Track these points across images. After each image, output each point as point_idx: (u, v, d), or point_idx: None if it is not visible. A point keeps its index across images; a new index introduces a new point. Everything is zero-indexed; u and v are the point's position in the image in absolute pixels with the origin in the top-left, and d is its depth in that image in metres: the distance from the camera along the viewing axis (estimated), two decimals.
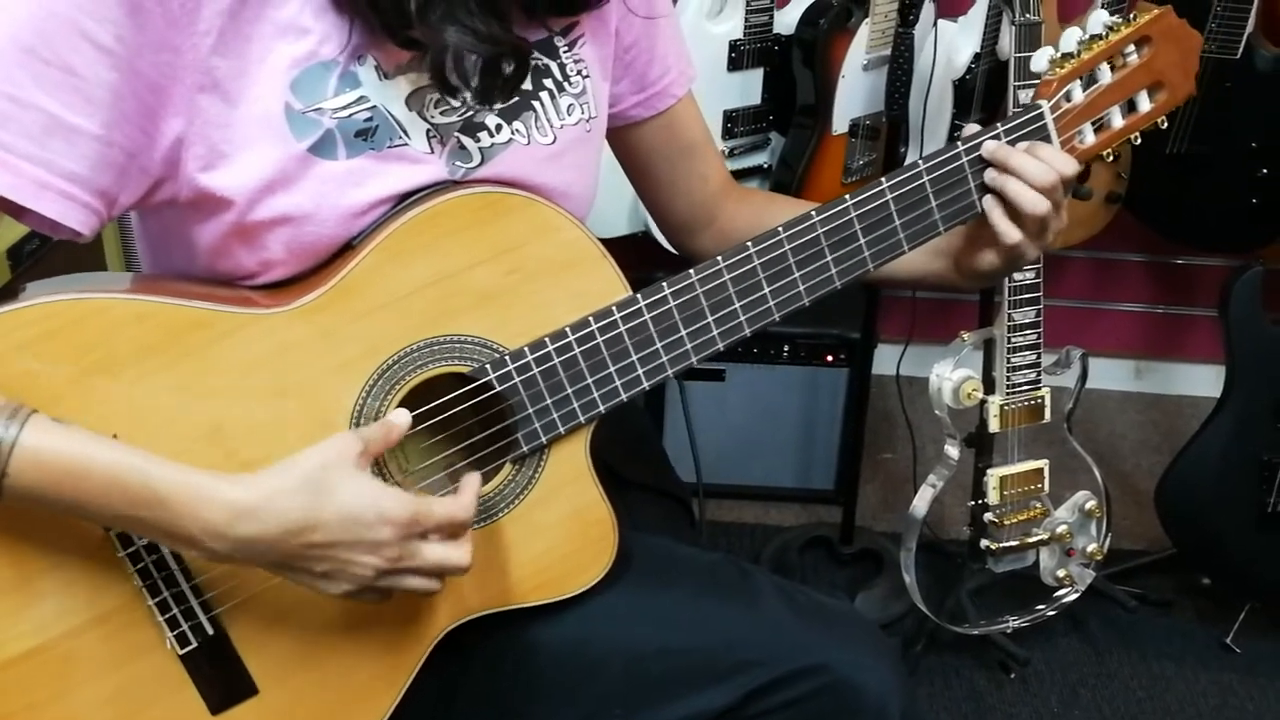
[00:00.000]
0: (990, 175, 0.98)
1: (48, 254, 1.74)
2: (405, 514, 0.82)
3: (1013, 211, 0.97)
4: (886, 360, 2.18)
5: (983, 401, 1.67)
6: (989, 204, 0.98)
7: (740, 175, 1.96)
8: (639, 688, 0.99)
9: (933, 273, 1.08)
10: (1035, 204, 0.96)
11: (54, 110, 0.77)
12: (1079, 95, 1.00)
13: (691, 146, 1.14)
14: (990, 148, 0.97)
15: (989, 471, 1.72)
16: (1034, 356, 1.66)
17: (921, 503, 1.71)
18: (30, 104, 0.77)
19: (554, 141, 0.96)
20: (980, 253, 1.03)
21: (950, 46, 1.82)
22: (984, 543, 1.75)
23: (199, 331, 0.83)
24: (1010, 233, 0.98)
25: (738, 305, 0.95)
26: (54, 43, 0.76)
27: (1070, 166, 0.97)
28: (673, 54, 1.08)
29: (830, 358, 2.14)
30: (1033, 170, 0.95)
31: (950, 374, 1.63)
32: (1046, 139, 0.99)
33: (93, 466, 0.77)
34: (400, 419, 0.86)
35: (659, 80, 1.08)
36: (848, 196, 0.95)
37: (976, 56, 1.82)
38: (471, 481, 0.89)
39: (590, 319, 0.91)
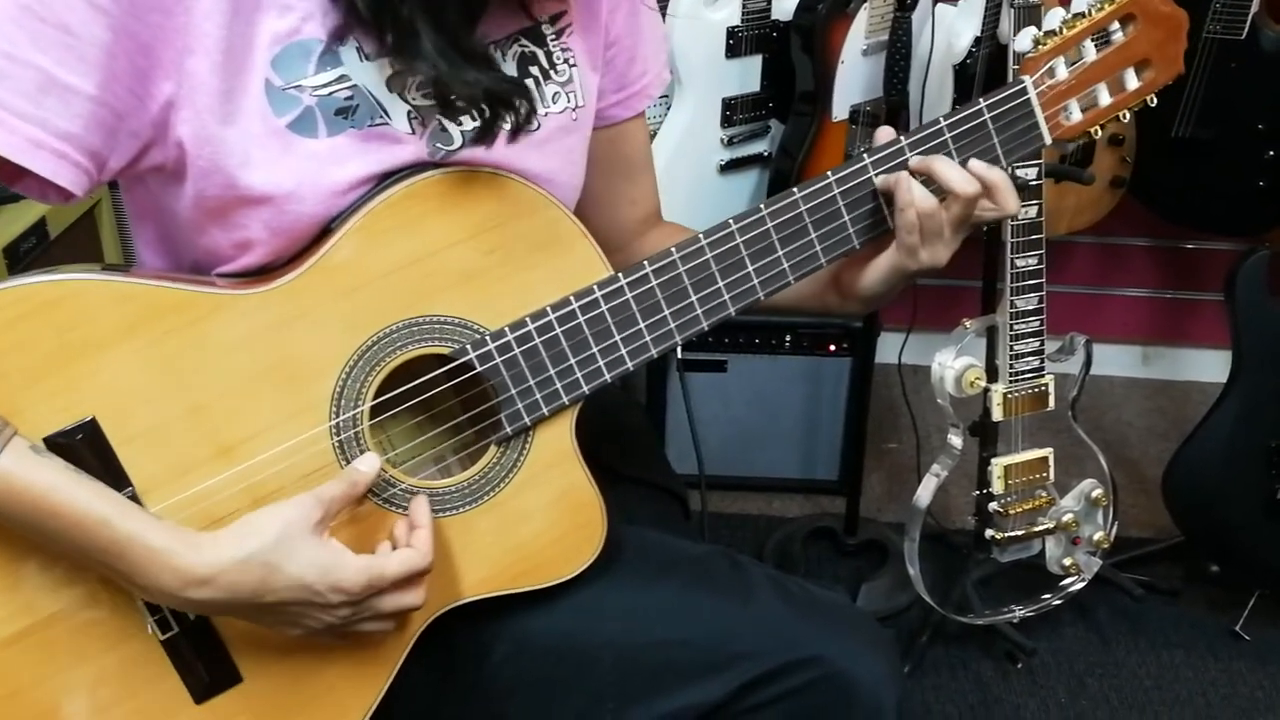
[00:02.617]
0: (880, 179, 0.97)
1: (45, 252, 1.74)
2: (360, 584, 0.84)
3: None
4: (888, 349, 2.17)
5: (986, 390, 1.65)
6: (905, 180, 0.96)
7: (740, 164, 1.95)
8: (631, 681, 0.98)
9: (810, 295, 1.06)
10: (923, 198, 0.94)
11: (49, 68, 0.77)
12: (1063, 72, 1.01)
13: (632, 167, 1.12)
14: (916, 161, 0.96)
15: (993, 460, 1.70)
16: (1037, 344, 1.65)
17: (925, 493, 1.70)
18: (26, 62, 0.77)
19: (538, 129, 0.95)
20: (860, 272, 1.01)
21: (950, 31, 1.81)
22: (989, 532, 1.73)
23: (179, 313, 0.83)
24: (923, 196, 0.95)
25: (721, 284, 0.94)
26: (51, 1, 0.76)
27: (969, 185, 0.95)
28: (653, 55, 1.08)
29: (833, 347, 2.13)
30: (956, 179, 0.95)
31: (952, 362, 1.62)
32: (1030, 114, 0.99)
33: (61, 505, 0.78)
34: (366, 466, 0.87)
35: (639, 79, 1.07)
36: (830, 172, 0.96)
37: (977, 40, 1.81)
38: (423, 516, 0.89)
39: (571, 298, 0.90)
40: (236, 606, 0.83)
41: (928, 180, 0.96)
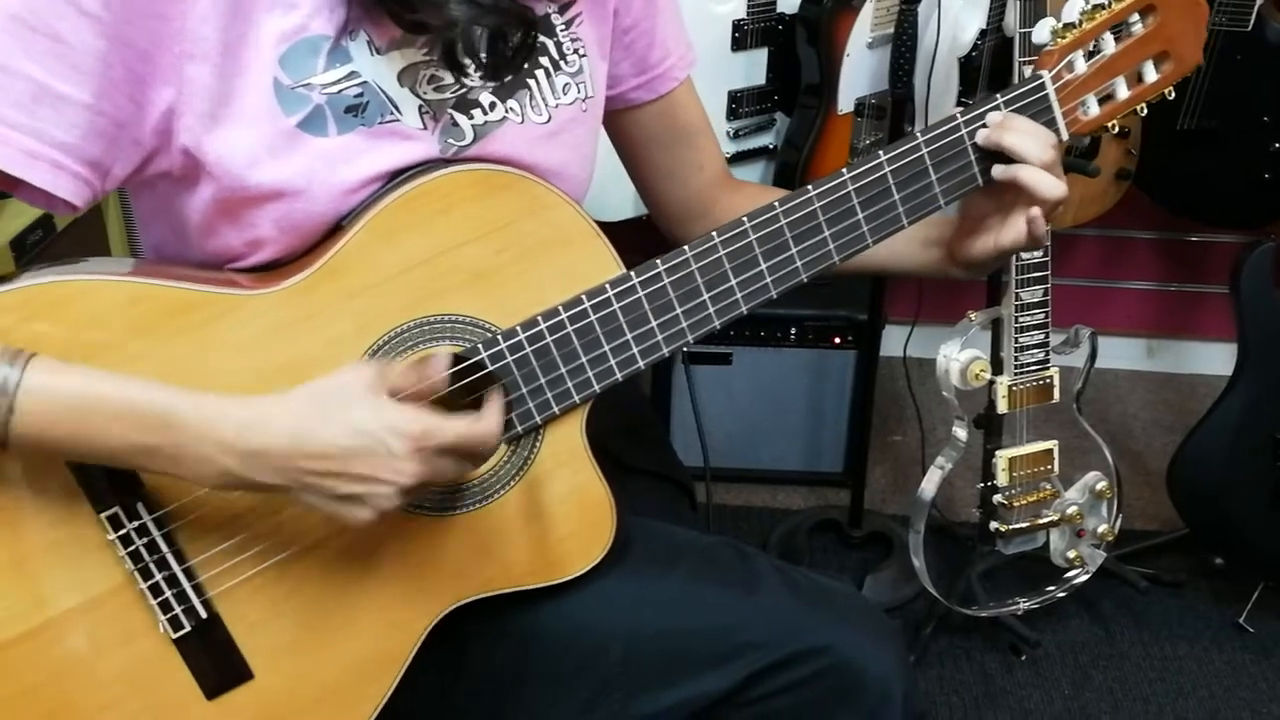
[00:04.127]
0: (1000, 169, 0.97)
1: (52, 244, 1.74)
2: (417, 426, 0.80)
3: (1027, 198, 0.96)
4: (894, 341, 2.17)
5: (991, 382, 1.65)
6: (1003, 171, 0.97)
7: (746, 156, 1.95)
8: (638, 671, 0.98)
9: (927, 262, 1.07)
10: (1054, 188, 0.95)
11: (42, 78, 0.77)
12: (1081, 66, 0.98)
13: (689, 133, 1.13)
14: (984, 133, 0.96)
15: (998, 453, 1.70)
16: (1042, 336, 1.65)
17: (930, 485, 1.70)
18: (18, 72, 0.76)
19: (549, 121, 0.95)
20: (973, 240, 1.02)
21: (955, 23, 1.80)
22: (993, 525, 1.73)
23: (190, 313, 0.83)
24: (1052, 186, 0.96)
25: (734, 282, 0.94)
26: (41, 9, 0.76)
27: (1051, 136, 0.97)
28: (673, 37, 1.08)
29: (837, 340, 2.13)
30: (1030, 148, 0.94)
31: (958, 354, 1.62)
32: (1048, 109, 0.98)
33: (101, 396, 0.78)
34: (439, 363, 0.83)
35: (660, 63, 1.07)
36: (845, 170, 0.94)
37: (983, 33, 1.80)
38: (495, 404, 0.86)
39: (583, 297, 0.90)
40: (295, 465, 0.79)
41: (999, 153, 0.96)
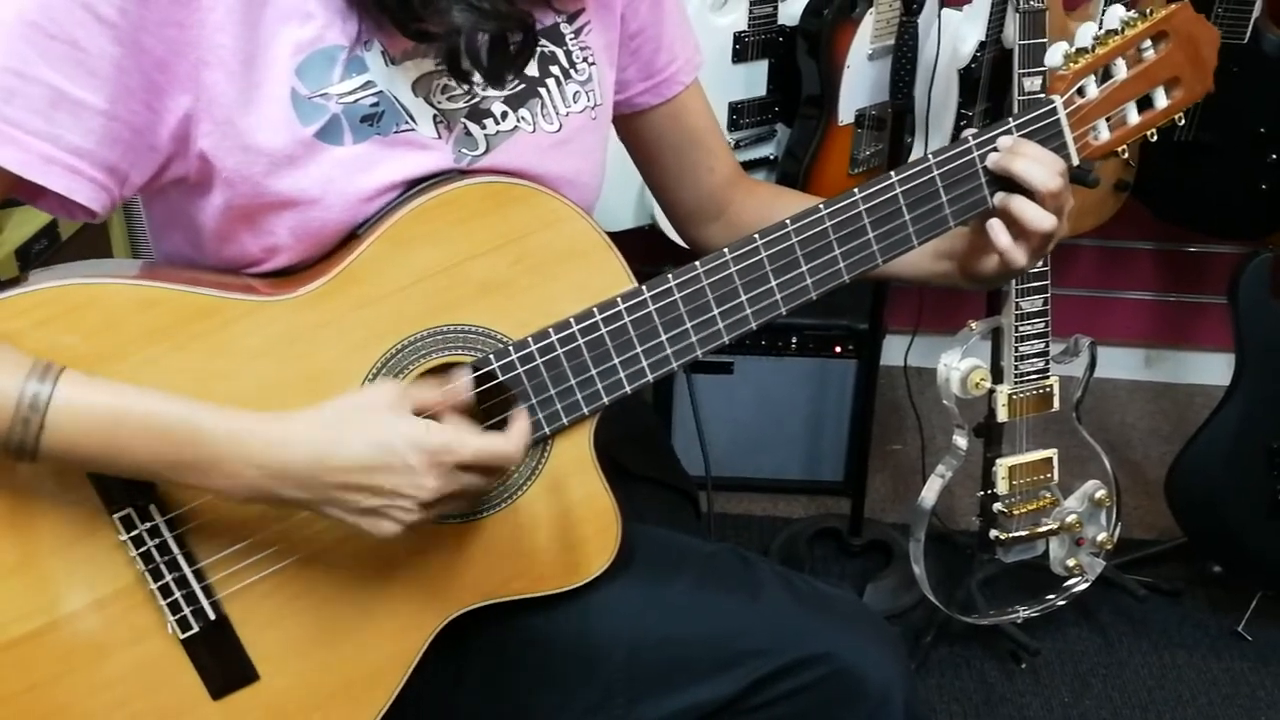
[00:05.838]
0: (998, 197, 0.97)
1: (56, 254, 1.75)
2: (437, 441, 0.82)
3: (1018, 228, 0.97)
4: (894, 351, 2.17)
5: (991, 391, 1.66)
6: (994, 226, 0.97)
7: (746, 167, 1.95)
8: (642, 677, 0.99)
9: (937, 274, 1.08)
10: (1041, 221, 0.95)
11: (59, 84, 0.77)
12: (1093, 91, 0.98)
13: (699, 136, 1.13)
14: (995, 158, 0.97)
15: (998, 461, 1.71)
16: (1042, 345, 1.66)
17: (930, 493, 1.71)
18: (35, 78, 0.77)
19: (560, 129, 0.96)
20: (983, 258, 1.02)
21: (955, 35, 1.82)
22: (993, 533, 1.74)
23: (205, 318, 0.84)
24: (1014, 254, 0.97)
25: (744, 298, 0.94)
26: (58, 16, 0.76)
27: (1060, 163, 0.97)
28: (679, 41, 1.08)
29: (838, 349, 2.14)
30: (1038, 175, 0.94)
31: (958, 363, 1.63)
32: (1059, 134, 0.98)
33: (130, 409, 0.79)
34: (464, 385, 0.86)
35: (666, 67, 1.08)
36: (856, 190, 0.95)
37: (982, 45, 1.82)
38: (521, 421, 0.88)
39: (594, 310, 0.91)
40: (318, 480, 0.81)
41: (1010, 181, 0.96)
